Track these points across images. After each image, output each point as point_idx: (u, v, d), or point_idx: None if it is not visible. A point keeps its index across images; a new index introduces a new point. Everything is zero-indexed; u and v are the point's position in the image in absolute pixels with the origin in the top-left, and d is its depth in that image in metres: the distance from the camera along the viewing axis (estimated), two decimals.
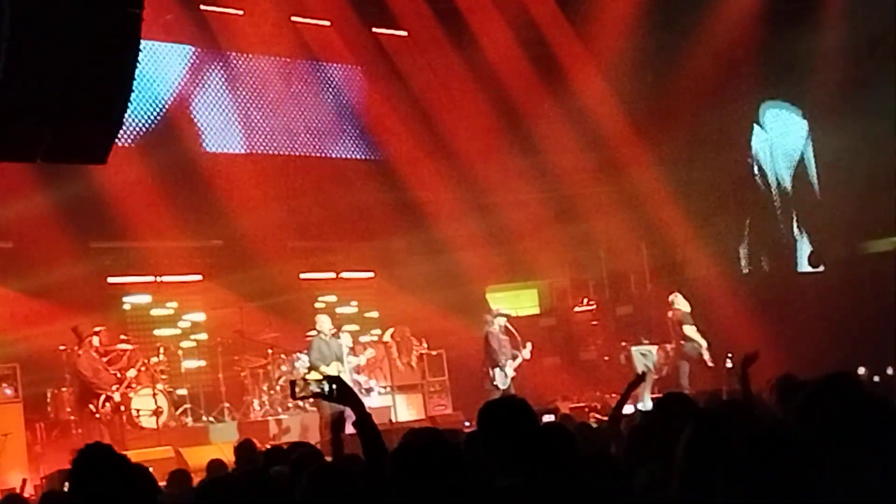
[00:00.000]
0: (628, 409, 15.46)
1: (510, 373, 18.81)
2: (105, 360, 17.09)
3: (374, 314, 21.87)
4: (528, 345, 19.21)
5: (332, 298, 21.44)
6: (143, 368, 17.28)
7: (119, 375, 16.97)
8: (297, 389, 5.56)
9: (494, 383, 18.72)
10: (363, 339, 20.34)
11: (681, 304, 20.27)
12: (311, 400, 16.21)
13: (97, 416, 16.36)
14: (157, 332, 19.45)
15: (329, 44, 22.05)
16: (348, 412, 5.51)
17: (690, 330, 19.99)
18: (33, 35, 9.89)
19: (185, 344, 19.33)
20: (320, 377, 5.73)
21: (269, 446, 11.52)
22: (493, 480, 4.59)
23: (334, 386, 5.35)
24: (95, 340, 16.72)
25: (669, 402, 6.68)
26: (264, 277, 20.05)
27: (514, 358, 18.96)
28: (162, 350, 18.18)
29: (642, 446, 6.19)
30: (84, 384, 16.62)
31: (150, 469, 5.54)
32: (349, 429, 5.82)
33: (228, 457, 10.93)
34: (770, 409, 7.96)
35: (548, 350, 20.40)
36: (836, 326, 21.53)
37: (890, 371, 14.47)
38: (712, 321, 21.29)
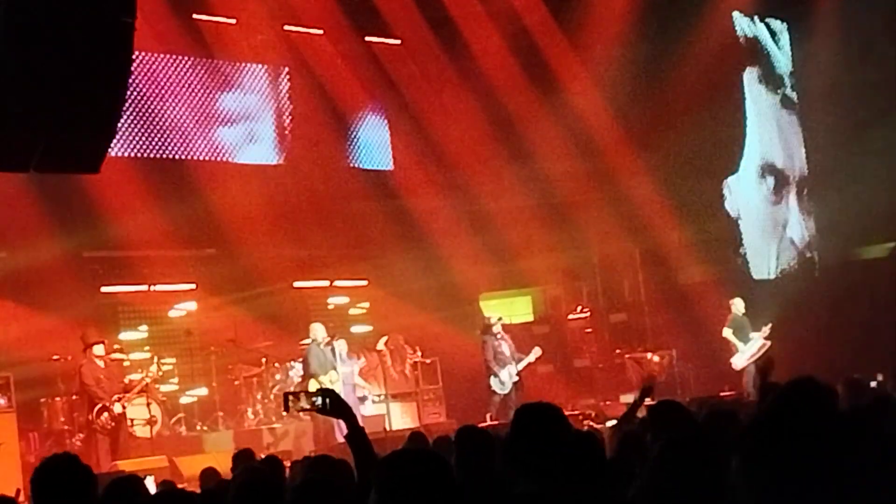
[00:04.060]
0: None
1: (509, 378, 18.85)
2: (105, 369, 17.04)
3: (368, 322, 21.85)
4: (537, 349, 19.28)
5: (326, 307, 21.44)
6: (146, 377, 17.24)
7: (125, 383, 16.92)
8: (289, 404, 5.53)
9: (493, 389, 18.86)
10: (356, 347, 20.31)
11: (735, 307, 20.38)
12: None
13: (94, 425, 16.30)
14: (150, 342, 19.42)
15: (322, 52, 22.05)
16: None
17: (727, 333, 20.09)
18: (25, 44, 9.87)
19: (178, 353, 19.30)
20: (314, 390, 5.68)
21: (263, 455, 11.54)
22: (513, 488, 4.58)
23: (327, 399, 5.35)
24: (100, 349, 16.65)
25: (662, 410, 6.73)
26: (258, 286, 20.05)
27: (519, 361, 19.02)
28: (155, 359, 18.16)
29: (632, 453, 6.22)
30: (82, 393, 16.57)
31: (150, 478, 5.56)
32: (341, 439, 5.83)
33: (223, 465, 10.92)
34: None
35: (542, 358, 20.36)
36: (830, 332, 21.57)
37: (880, 378, 14.47)
38: (706, 327, 21.33)
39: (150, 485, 10.76)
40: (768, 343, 19.95)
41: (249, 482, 5.54)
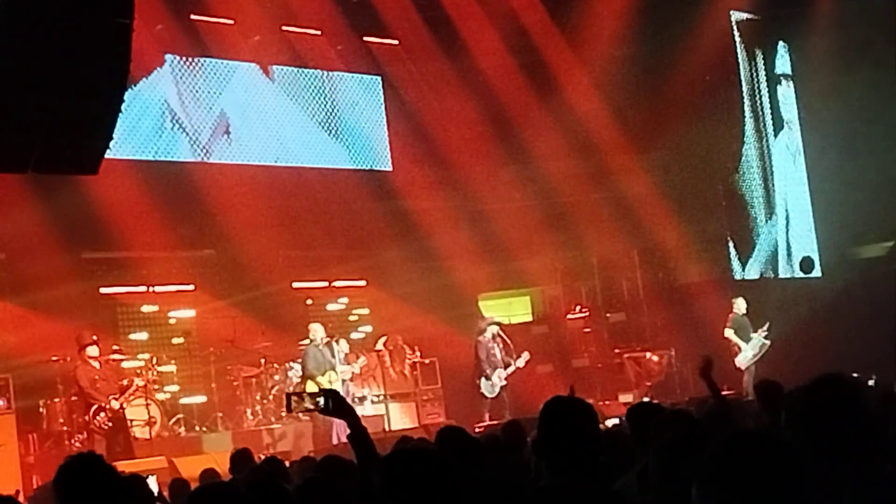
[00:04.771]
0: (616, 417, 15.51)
1: (498, 381, 18.84)
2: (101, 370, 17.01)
3: (367, 323, 21.85)
4: (525, 354, 19.23)
5: (325, 307, 21.44)
6: (136, 379, 17.21)
7: (122, 384, 16.88)
8: (292, 404, 5.53)
9: (481, 391, 18.85)
10: (356, 348, 20.31)
11: (736, 307, 20.33)
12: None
13: (90, 426, 16.27)
14: (149, 342, 19.42)
15: (320, 52, 22.06)
16: None
17: (729, 332, 20.05)
18: (23, 45, 9.88)
19: (177, 353, 19.30)
20: (316, 390, 5.68)
21: (262, 456, 11.53)
22: (537, 481, 4.58)
23: (329, 399, 5.35)
24: (94, 350, 16.61)
25: (639, 411, 6.82)
26: (256, 286, 20.04)
27: (507, 366, 18.99)
28: (154, 360, 18.16)
29: (615, 453, 6.27)
30: (79, 394, 16.55)
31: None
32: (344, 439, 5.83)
33: (222, 466, 10.92)
34: (755, 412, 8.04)
35: (540, 357, 20.38)
36: (829, 331, 21.58)
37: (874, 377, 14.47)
38: (705, 327, 21.32)
39: (153, 485, 10.76)
40: (768, 343, 19.95)
41: (259, 484, 5.54)
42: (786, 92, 25.72)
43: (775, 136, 25.50)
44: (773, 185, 25.34)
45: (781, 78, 25.70)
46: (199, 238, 20.20)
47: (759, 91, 25.33)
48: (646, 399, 18.98)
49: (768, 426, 6.86)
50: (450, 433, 6.49)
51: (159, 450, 16.51)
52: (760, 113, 25.36)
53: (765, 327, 20.07)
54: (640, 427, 6.22)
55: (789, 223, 25.37)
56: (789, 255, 25.26)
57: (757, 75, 25.33)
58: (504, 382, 18.93)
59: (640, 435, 6.14)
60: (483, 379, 18.89)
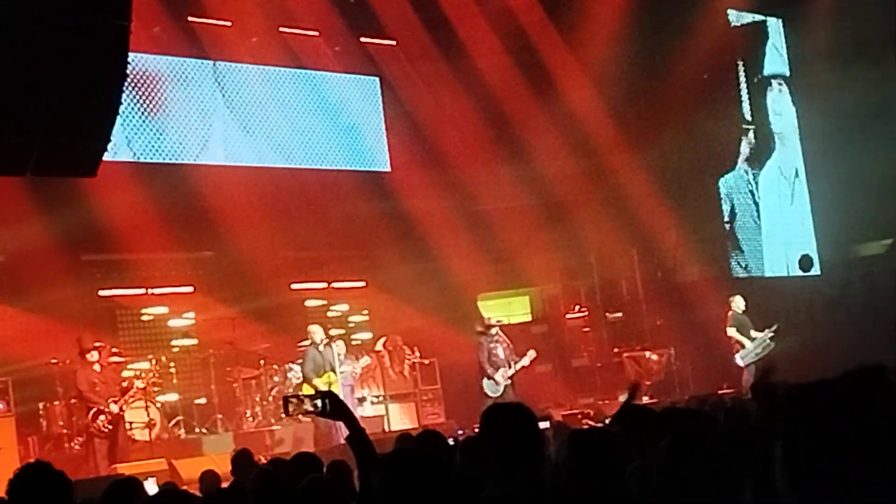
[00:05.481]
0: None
1: (502, 381, 18.81)
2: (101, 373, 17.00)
3: (367, 323, 21.85)
4: (531, 352, 19.20)
5: (324, 308, 21.44)
6: (136, 381, 17.20)
7: (122, 386, 16.85)
8: (290, 407, 5.52)
9: (484, 392, 18.83)
10: (355, 348, 20.31)
11: (735, 305, 20.28)
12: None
13: (90, 429, 16.26)
14: (148, 344, 19.43)
15: (317, 54, 22.06)
16: None
17: (731, 331, 20.01)
18: (20, 48, 9.88)
19: (176, 356, 19.30)
20: (313, 392, 5.68)
21: (262, 457, 11.53)
22: (480, 489, 4.58)
23: (327, 401, 5.35)
24: (94, 355, 16.57)
25: (627, 414, 6.89)
26: (256, 288, 20.03)
27: (511, 366, 18.97)
28: (154, 362, 18.16)
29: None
30: (78, 397, 16.54)
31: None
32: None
33: (222, 468, 10.91)
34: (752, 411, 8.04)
35: (540, 357, 20.36)
36: (829, 329, 21.58)
37: None
38: (704, 326, 21.33)
39: (153, 487, 10.77)
40: (773, 344, 19.89)
41: (267, 484, 5.55)
42: (782, 90, 25.73)
43: (774, 136, 25.51)
44: (771, 183, 25.36)
45: (779, 76, 25.70)
46: (198, 240, 20.19)
47: (757, 89, 25.34)
48: (631, 401, 18.98)
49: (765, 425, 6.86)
50: (429, 437, 6.52)
51: (159, 452, 16.51)
52: (757, 111, 25.38)
53: (772, 328, 19.99)
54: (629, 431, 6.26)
55: (788, 221, 25.37)
56: (789, 253, 25.25)
57: (755, 74, 25.34)
58: (508, 381, 18.92)
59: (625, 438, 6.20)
60: (485, 379, 18.88)
